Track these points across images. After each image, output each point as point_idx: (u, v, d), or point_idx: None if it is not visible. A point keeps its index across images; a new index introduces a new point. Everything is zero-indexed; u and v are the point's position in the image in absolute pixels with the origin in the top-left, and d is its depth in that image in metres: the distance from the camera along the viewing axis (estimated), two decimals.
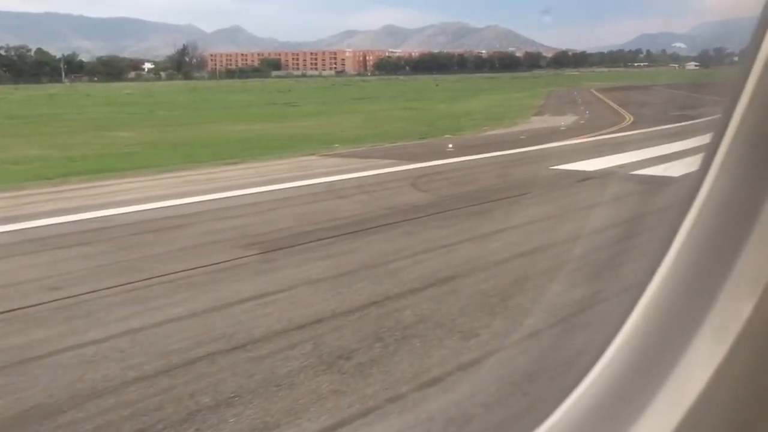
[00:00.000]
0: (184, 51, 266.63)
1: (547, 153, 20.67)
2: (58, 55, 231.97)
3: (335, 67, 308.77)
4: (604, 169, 16.40)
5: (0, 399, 5.12)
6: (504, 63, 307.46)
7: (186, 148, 24.40)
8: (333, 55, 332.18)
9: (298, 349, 5.85)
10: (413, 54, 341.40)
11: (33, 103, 73.19)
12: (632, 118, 35.59)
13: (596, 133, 27.37)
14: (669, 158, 15.72)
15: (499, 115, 41.86)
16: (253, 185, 15.07)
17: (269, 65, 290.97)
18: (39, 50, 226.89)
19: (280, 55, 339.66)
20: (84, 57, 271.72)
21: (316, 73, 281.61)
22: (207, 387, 5.19)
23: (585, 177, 15.24)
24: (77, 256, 9.28)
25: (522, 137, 26.33)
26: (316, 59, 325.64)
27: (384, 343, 5.94)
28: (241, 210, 12.31)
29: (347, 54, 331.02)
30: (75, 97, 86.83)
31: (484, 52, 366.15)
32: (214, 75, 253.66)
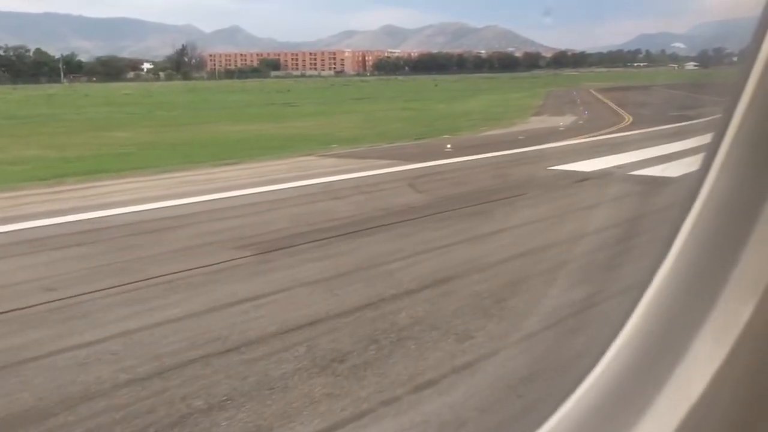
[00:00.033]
0: (182, 51, 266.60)
1: (546, 153, 20.64)
2: (57, 56, 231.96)
3: (334, 68, 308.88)
4: (603, 169, 16.37)
5: None
6: (503, 63, 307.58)
7: (184, 149, 24.37)
8: (332, 56, 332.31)
9: (292, 352, 5.82)
10: (412, 54, 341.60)
11: (31, 103, 73.12)
12: (631, 119, 35.58)
13: (595, 134, 27.35)
14: (667, 159, 15.69)
15: (497, 115, 41.85)
16: (251, 186, 15.03)
17: (268, 65, 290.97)
18: (38, 50, 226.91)
19: (279, 55, 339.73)
20: (83, 57, 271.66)
21: (315, 73, 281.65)
22: (200, 390, 5.16)
23: (583, 178, 15.21)
24: (72, 257, 9.24)
25: (520, 137, 26.31)
26: (315, 59, 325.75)
27: (379, 346, 5.91)
28: (237, 211, 12.27)
29: (346, 54, 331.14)
30: (73, 98, 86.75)
31: (483, 52, 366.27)
32: (213, 75, 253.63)
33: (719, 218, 1.18)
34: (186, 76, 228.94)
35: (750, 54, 1.14)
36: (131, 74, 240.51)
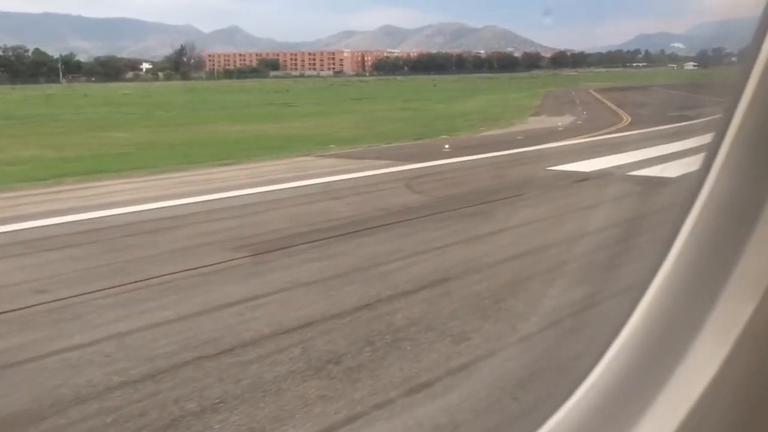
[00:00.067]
0: (181, 51, 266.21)
1: (544, 154, 20.60)
2: (56, 56, 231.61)
3: (333, 68, 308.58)
4: (601, 169, 16.33)
5: None
6: (502, 63, 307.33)
7: (182, 149, 24.32)
8: (331, 56, 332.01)
9: (286, 354, 5.77)
10: (411, 54, 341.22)
11: (30, 103, 73.04)
12: (630, 119, 35.56)
13: (593, 134, 27.32)
14: (666, 159, 15.65)
15: (496, 115, 41.81)
16: (248, 186, 14.99)
17: (267, 65, 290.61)
18: (36, 50, 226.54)
19: (278, 55, 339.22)
20: (82, 57, 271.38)
21: (314, 73, 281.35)
22: (192, 392, 5.10)
23: (582, 178, 15.17)
24: (67, 258, 9.19)
25: (519, 138, 26.28)
26: (314, 59, 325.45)
27: (374, 347, 5.86)
28: (234, 211, 12.22)
29: (345, 54, 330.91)
30: (72, 98, 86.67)
31: (482, 52, 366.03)
32: (212, 75, 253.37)
33: (719, 218, 1.18)
34: (185, 77, 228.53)
35: (750, 54, 1.14)
36: (130, 74, 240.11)
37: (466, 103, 59.18)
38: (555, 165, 16.80)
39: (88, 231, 10.77)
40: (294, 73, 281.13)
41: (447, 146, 22.26)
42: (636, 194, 13.14)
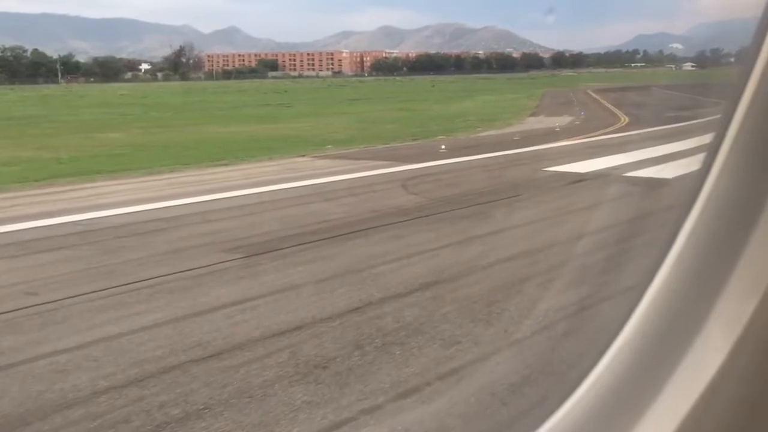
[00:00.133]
0: (180, 52, 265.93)
1: (541, 154, 20.57)
2: (55, 56, 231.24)
3: (332, 68, 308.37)
4: (598, 170, 16.29)
5: None
6: (501, 64, 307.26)
7: (177, 150, 24.21)
8: (330, 56, 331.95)
9: (274, 358, 5.71)
10: (410, 55, 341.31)
11: (27, 103, 72.88)
12: (627, 119, 35.51)
13: (591, 134, 27.26)
14: (663, 160, 15.61)
15: (494, 115, 41.72)
16: (242, 187, 14.92)
17: (266, 66, 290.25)
18: (35, 51, 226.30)
19: (277, 55, 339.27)
20: (80, 58, 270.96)
21: (313, 73, 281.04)
22: (178, 398, 5.04)
23: (578, 179, 15.12)
24: (58, 260, 9.13)
25: (516, 138, 26.23)
26: (313, 60, 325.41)
27: (363, 351, 5.80)
28: (227, 213, 12.17)
29: (344, 55, 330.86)
30: (69, 98, 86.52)
31: (481, 52, 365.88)
32: (210, 76, 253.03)
33: (720, 219, 1.19)
34: (184, 77, 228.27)
35: (750, 54, 1.14)
36: (129, 75, 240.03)
37: (464, 104, 59.10)
38: (551, 166, 16.76)
39: (80, 233, 10.70)
40: (293, 73, 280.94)
41: (444, 147, 22.20)
42: (631, 195, 13.10)
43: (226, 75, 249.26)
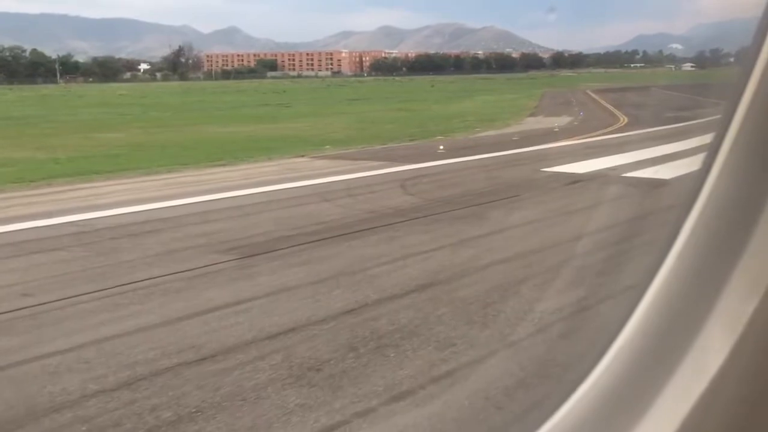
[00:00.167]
0: (179, 52, 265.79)
1: (540, 155, 20.54)
2: (54, 56, 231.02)
3: (331, 68, 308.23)
4: (596, 171, 16.26)
5: None
6: (500, 64, 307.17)
7: (175, 150, 24.16)
8: (329, 56, 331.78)
9: (267, 360, 5.67)
10: (410, 55, 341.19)
11: (26, 103, 72.82)
12: (626, 120, 35.49)
13: (590, 135, 27.24)
14: (661, 160, 15.57)
15: (493, 116, 41.68)
16: (239, 188, 14.88)
17: (265, 66, 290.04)
18: (34, 51, 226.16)
19: (276, 55, 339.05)
20: (80, 58, 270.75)
21: (312, 73, 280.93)
22: (169, 401, 5.00)
23: (576, 179, 15.09)
24: (53, 262, 9.09)
25: (515, 138, 26.19)
26: (312, 60, 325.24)
27: (357, 354, 5.76)
28: (223, 213, 12.13)
29: (343, 55, 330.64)
30: (68, 98, 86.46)
31: (480, 53, 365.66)
32: (210, 76, 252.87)
33: (720, 219, 1.19)
34: (183, 77, 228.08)
35: (750, 55, 1.14)
36: (128, 75, 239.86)
37: (463, 104, 59.07)
38: (550, 166, 16.73)
39: (75, 234, 10.66)
40: (292, 73, 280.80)
41: (442, 147, 22.16)
42: (628, 196, 13.07)
43: (225, 75, 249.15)
